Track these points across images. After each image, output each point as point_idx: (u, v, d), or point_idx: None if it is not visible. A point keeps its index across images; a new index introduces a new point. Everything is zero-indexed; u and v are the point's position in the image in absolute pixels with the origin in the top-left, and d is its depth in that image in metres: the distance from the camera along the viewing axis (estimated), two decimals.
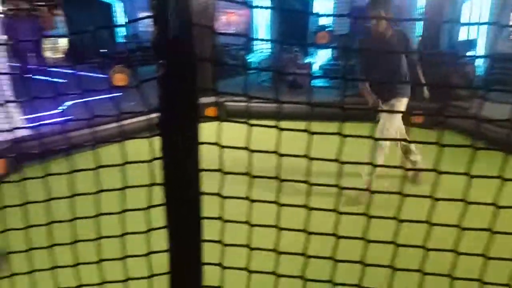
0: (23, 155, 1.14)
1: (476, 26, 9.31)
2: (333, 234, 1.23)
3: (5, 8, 5.42)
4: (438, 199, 1.14)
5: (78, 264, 1.35)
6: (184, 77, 1.05)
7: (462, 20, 8.34)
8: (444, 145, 1.08)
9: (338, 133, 1.10)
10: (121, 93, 7.38)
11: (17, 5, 10.18)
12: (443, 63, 7.03)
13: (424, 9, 5.82)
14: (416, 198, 1.16)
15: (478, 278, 1.19)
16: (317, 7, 11.50)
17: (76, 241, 1.33)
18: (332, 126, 1.11)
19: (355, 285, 1.25)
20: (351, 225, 1.17)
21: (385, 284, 1.23)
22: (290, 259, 1.21)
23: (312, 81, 8.93)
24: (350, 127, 1.06)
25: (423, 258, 1.20)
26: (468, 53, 7.82)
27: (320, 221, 1.00)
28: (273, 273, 1.29)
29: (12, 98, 4.93)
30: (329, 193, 1.13)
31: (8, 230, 1.35)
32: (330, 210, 1.20)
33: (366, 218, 1.20)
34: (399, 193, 1.16)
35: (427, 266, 1.20)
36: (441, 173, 1.10)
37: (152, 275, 1.30)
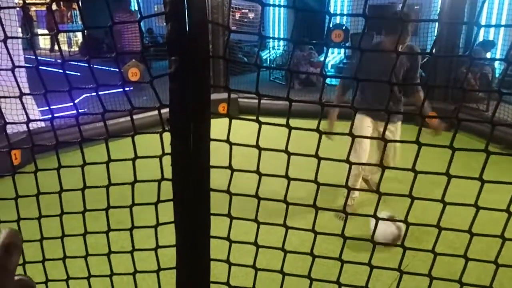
0: (37, 146, 1.16)
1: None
2: (338, 235, 1.23)
3: (22, 1, 5.49)
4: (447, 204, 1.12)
5: (88, 255, 1.37)
6: (196, 73, 1.05)
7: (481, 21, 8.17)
8: (456, 149, 1.06)
9: (349, 134, 1.10)
10: (133, 88, 7.44)
11: None
12: (460, 65, 6.93)
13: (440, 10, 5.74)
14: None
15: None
16: (333, 5, 11.44)
17: (86, 233, 1.35)
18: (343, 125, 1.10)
19: (361, 286, 1.24)
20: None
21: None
22: (298, 258, 1.21)
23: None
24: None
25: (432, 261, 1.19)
26: (487, 55, 7.68)
27: (328, 219, 0.99)
28: (280, 271, 1.29)
29: (27, 91, 5.02)
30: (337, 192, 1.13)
31: (21, 219, 1.37)
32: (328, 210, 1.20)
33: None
34: (409, 196, 1.15)
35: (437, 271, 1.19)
36: (453, 177, 1.09)
37: (159, 269, 1.31)
